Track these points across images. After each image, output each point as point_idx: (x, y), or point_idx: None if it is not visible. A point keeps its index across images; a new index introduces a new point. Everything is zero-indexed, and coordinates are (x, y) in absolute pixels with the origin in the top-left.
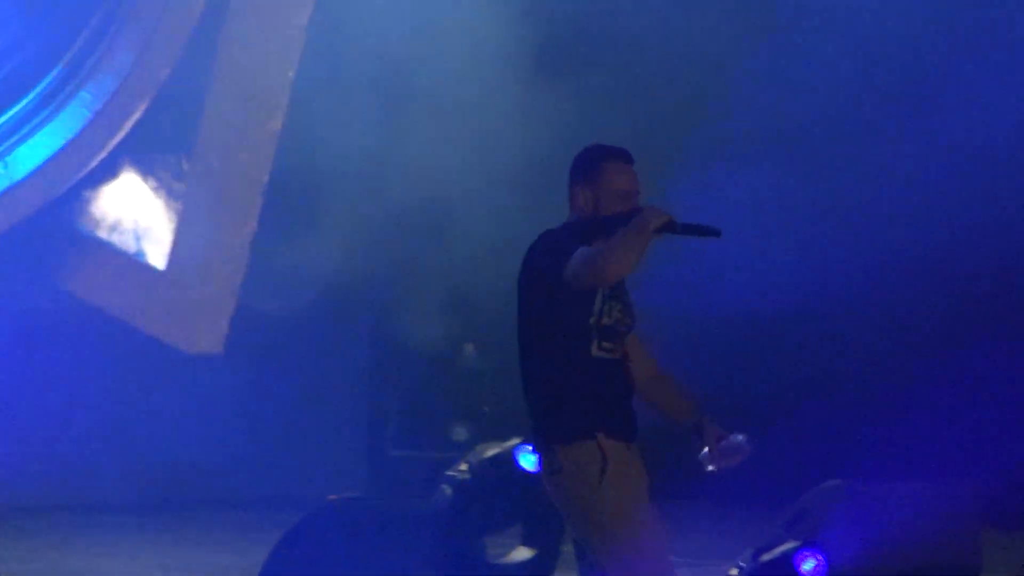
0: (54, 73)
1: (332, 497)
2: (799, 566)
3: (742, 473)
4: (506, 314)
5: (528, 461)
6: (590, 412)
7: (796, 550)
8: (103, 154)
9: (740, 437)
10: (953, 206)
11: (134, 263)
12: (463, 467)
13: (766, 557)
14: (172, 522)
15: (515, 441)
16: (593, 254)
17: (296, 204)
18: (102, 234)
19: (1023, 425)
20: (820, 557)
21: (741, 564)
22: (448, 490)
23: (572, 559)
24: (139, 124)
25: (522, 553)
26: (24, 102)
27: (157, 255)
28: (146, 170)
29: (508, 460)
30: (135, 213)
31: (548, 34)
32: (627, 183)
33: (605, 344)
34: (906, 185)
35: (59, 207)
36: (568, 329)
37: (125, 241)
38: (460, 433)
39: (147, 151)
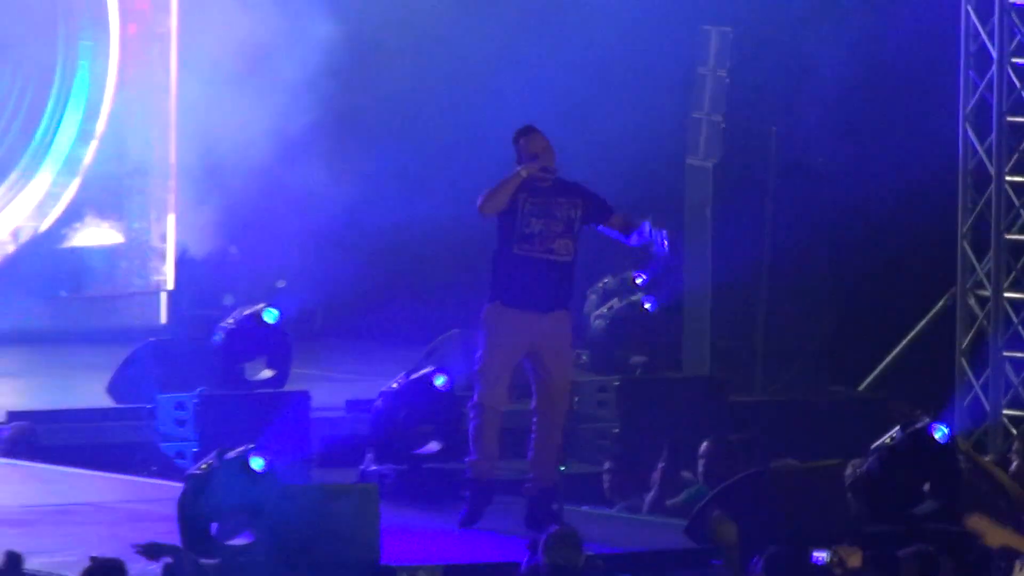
0: None
1: (152, 339)
2: (433, 380)
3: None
4: (260, 227)
5: (270, 316)
6: (500, 287)
7: (432, 372)
8: None
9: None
10: None
11: None
12: (231, 320)
13: (413, 376)
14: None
15: (262, 305)
16: (480, 196)
17: None
18: None
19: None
20: (447, 375)
21: (398, 381)
22: (221, 335)
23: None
24: None
25: (267, 372)
26: None
27: None
28: None
29: (259, 315)
30: None
31: None
32: (534, 147)
33: (524, 246)
34: None
35: None
36: (501, 235)
37: None
38: (228, 299)
39: None
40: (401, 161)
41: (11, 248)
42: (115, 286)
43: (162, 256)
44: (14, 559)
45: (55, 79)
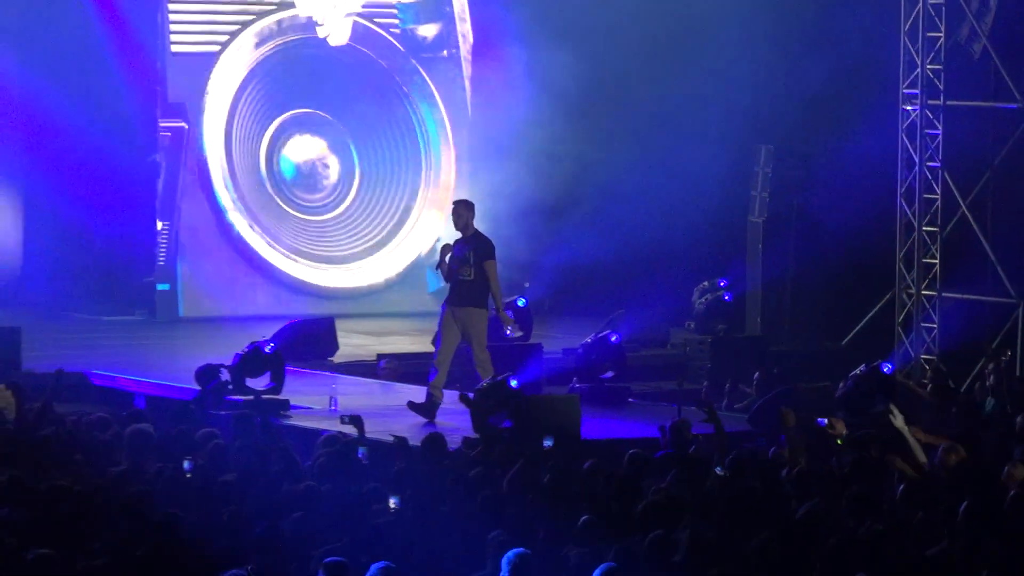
0: None
1: None
2: (609, 338)
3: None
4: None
5: (520, 302)
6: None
7: (608, 333)
8: None
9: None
10: None
11: None
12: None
13: (599, 335)
14: None
15: (516, 296)
16: None
17: None
18: None
19: None
20: (618, 335)
21: (590, 338)
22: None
23: None
24: None
25: (518, 332)
26: None
27: None
28: None
29: (515, 302)
30: None
31: None
32: (453, 214)
33: (456, 271)
34: None
35: None
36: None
37: None
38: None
39: None
40: (595, 204)
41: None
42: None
43: None
44: (403, 441)
45: (419, 143)
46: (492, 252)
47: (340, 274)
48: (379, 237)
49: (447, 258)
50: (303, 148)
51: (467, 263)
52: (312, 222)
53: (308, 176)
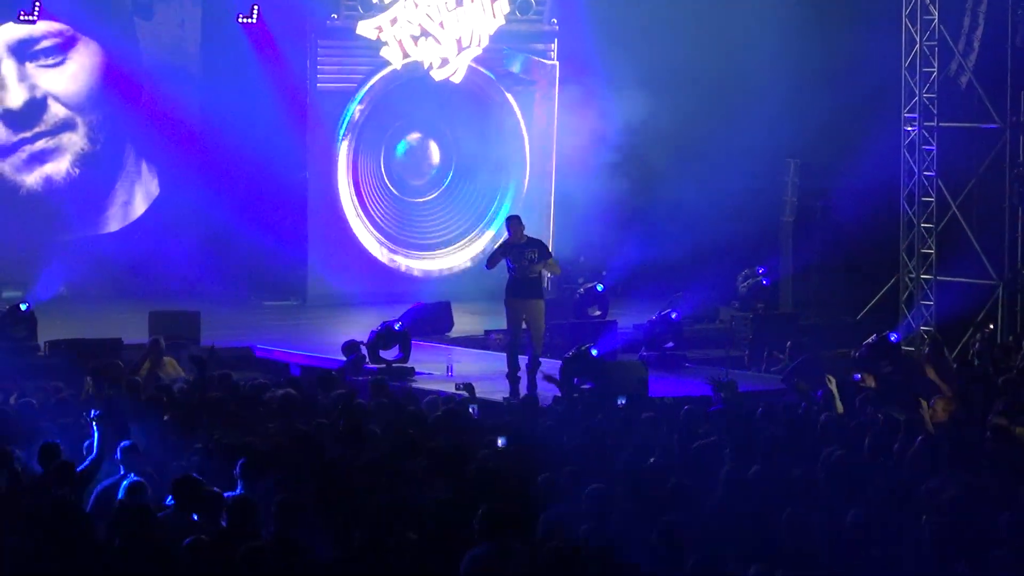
0: None
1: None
2: (670, 315)
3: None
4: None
5: (599, 287)
6: (507, 289)
7: (669, 311)
8: None
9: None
10: None
11: None
12: (582, 289)
13: (662, 313)
14: None
15: (595, 283)
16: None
17: None
18: None
19: None
20: (677, 312)
21: (655, 315)
22: (578, 295)
23: None
24: None
25: (596, 312)
26: None
27: None
28: None
29: (595, 287)
30: None
31: None
32: (510, 227)
33: (514, 270)
34: None
35: None
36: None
37: None
38: (581, 280)
39: None
40: (659, 210)
41: (469, 265)
42: None
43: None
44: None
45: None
46: (549, 250)
47: (430, 262)
48: (463, 227)
49: (503, 255)
50: (415, 139)
51: (533, 262)
52: (415, 204)
53: (415, 155)
